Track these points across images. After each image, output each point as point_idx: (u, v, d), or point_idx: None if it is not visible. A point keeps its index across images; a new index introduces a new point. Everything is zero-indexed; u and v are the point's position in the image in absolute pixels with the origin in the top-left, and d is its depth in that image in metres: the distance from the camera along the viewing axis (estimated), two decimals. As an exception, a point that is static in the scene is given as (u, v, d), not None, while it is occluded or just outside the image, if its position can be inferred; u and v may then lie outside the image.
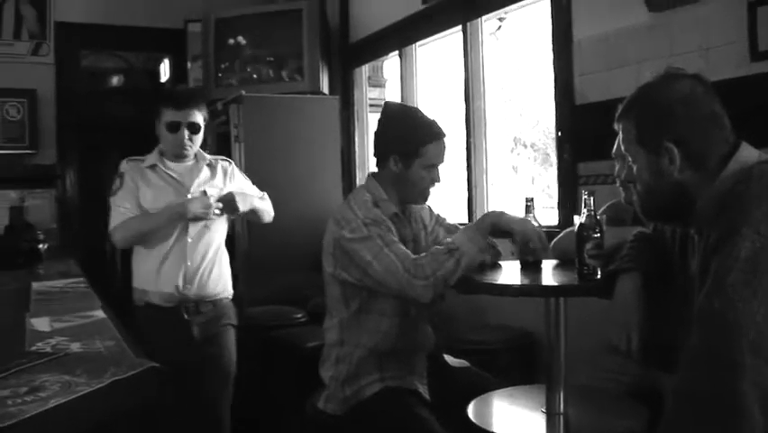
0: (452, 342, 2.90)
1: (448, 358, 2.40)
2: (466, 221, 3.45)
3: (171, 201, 2.61)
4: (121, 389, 1.31)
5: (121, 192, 2.63)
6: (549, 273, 2.04)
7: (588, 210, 1.77)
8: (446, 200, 3.96)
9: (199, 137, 2.70)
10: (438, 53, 4.04)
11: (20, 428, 1.09)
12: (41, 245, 3.54)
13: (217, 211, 2.63)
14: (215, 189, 2.71)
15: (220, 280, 2.74)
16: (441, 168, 2.19)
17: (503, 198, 3.61)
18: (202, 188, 2.68)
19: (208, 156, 2.80)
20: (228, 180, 2.79)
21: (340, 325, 2.15)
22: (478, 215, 3.43)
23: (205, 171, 2.74)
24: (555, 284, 1.92)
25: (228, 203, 2.67)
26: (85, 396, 1.24)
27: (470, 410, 2.02)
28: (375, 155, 2.22)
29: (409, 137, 2.14)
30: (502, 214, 2.07)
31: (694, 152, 1.40)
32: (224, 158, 2.90)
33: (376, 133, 2.23)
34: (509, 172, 4.19)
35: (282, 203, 3.10)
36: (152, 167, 2.67)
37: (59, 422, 1.15)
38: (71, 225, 4.81)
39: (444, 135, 2.18)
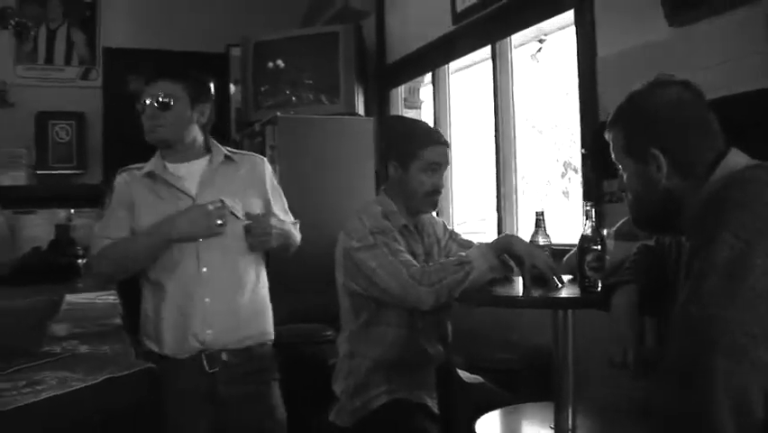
0: (472, 358, 2.91)
1: (462, 373, 2.42)
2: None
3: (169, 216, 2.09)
4: (114, 386, 1.38)
5: (106, 213, 2.24)
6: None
7: (589, 223, 1.79)
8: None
9: (176, 116, 2.11)
10: (472, 80, 4.09)
11: (9, 415, 1.17)
12: (79, 260, 3.69)
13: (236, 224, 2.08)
14: (234, 198, 2.16)
15: (255, 320, 2.19)
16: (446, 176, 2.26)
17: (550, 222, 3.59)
18: (213, 196, 2.11)
19: (227, 149, 2.26)
20: (256, 185, 2.25)
21: (350, 337, 2.20)
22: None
23: (221, 171, 2.19)
24: (553, 296, 1.92)
25: (258, 229, 2.13)
26: (77, 390, 1.32)
27: (478, 425, 2.03)
28: (380, 168, 2.29)
29: (405, 142, 2.22)
30: (516, 238, 2.10)
31: (681, 159, 1.41)
32: (255, 154, 2.38)
33: (379, 146, 2.31)
34: (561, 198, 4.17)
35: (316, 222, 3.14)
36: (149, 174, 2.16)
37: (48, 413, 1.23)
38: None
39: (443, 141, 2.25)
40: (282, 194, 2.37)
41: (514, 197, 3.53)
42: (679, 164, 1.41)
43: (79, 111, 4.95)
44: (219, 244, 2.10)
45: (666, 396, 1.21)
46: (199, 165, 2.19)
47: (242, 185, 2.21)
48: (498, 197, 3.55)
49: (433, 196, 2.24)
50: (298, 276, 3.99)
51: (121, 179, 2.23)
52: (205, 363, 2.06)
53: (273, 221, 2.19)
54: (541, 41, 3.75)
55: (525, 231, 3.35)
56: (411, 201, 2.24)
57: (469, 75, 4.12)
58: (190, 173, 2.17)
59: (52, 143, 4.88)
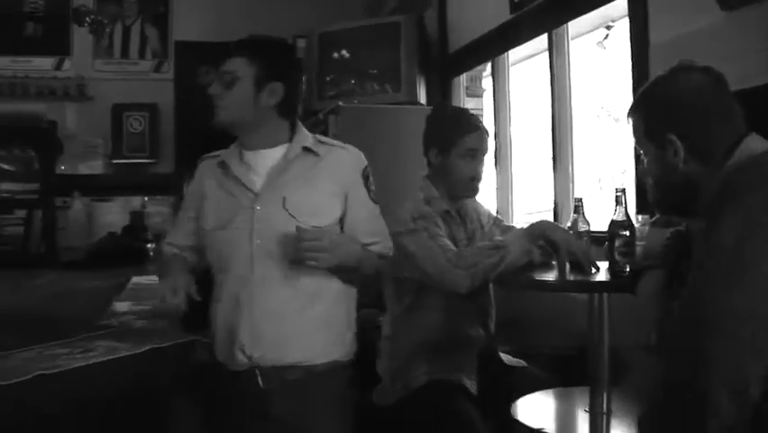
0: (519, 342, 2.96)
1: (505, 357, 2.48)
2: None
3: (230, 219, 1.85)
4: (156, 356, 1.52)
5: (180, 213, 2.09)
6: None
7: (620, 209, 1.83)
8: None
9: (238, 96, 1.83)
10: (533, 71, 4.10)
11: (61, 376, 1.32)
12: (149, 245, 3.91)
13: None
14: (302, 199, 1.82)
15: (322, 337, 1.85)
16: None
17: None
18: (278, 194, 1.82)
19: (318, 137, 1.94)
20: (334, 186, 1.87)
21: (393, 321, 2.30)
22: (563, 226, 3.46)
23: (297, 164, 1.87)
24: (581, 279, 1.96)
25: (305, 245, 1.72)
26: (122, 357, 1.47)
27: (516, 407, 2.10)
28: (424, 155, 2.37)
29: (444, 128, 2.32)
30: (551, 224, 2.16)
31: (698, 145, 1.43)
32: (347, 146, 1.97)
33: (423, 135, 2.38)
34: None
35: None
36: (222, 164, 1.93)
37: (95, 376, 1.38)
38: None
39: (482, 128, 2.31)
40: (373, 200, 1.95)
41: (570, 186, 3.54)
42: (697, 150, 1.44)
43: (152, 102, 5.20)
44: (278, 249, 1.79)
45: (666, 373, 1.25)
46: (275, 155, 1.88)
47: (317, 183, 1.86)
48: (554, 188, 3.56)
49: (473, 182, 2.31)
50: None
51: (198, 169, 2.03)
52: (259, 379, 1.79)
53: (335, 237, 1.79)
54: (608, 27, 3.74)
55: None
56: (453, 187, 2.31)
57: (531, 65, 4.13)
58: (263, 164, 1.88)
59: (127, 134, 5.15)
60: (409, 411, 2.18)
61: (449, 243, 2.13)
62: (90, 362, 1.42)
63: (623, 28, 3.53)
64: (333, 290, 1.88)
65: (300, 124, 1.95)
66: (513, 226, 2.44)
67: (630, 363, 2.21)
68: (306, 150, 1.89)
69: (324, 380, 1.84)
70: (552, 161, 3.58)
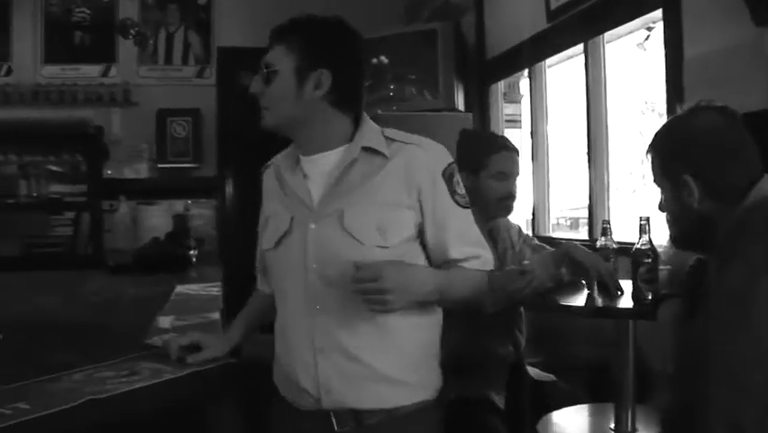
0: (552, 356, 3.02)
1: (534, 371, 2.55)
2: (587, 238, 3.55)
3: (282, 239, 1.62)
4: (196, 380, 1.63)
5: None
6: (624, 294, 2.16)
7: (645, 237, 1.89)
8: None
9: (278, 91, 1.56)
10: (570, 73, 4.13)
11: (109, 401, 1.44)
12: (191, 251, 4.06)
13: None
14: (364, 214, 1.53)
15: (397, 378, 1.57)
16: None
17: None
18: (334, 208, 1.54)
19: (387, 133, 1.62)
20: (405, 191, 1.55)
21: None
22: (598, 232, 3.49)
23: (358, 169, 1.57)
24: (606, 306, 2.03)
25: (362, 285, 1.45)
26: (166, 382, 1.58)
27: (542, 423, 2.18)
28: None
29: (474, 151, 2.39)
30: (578, 247, 2.23)
31: (713, 184, 1.49)
32: (423, 140, 1.62)
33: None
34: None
35: None
36: (278, 173, 1.70)
37: (140, 400, 1.49)
38: (229, 232, 5.38)
39: (511, 148, 2.39)
40: (461, 205, 1.61)
41: (606, 194, 3.59)
42: (712, 189, 1.49)
43: (195, 108, 5.36)
44: (338, 277, 1.52)
45: (675, 402, 1.33)
46: (333, 158, 1.59)
47: (381, 191, 1.55)
48: (589, 186, 3.61)
49: (506, 201, 2.39)
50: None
51: (263, 182, 1.78)
52: (333, 421, 1.56)
53: (401, 270, 1.48)
54: (649, 28, 3.76)
55: (621, 222, 3.43)
56: (485, 207, 2.39)
57: (568, 67, 4.16)
58: (320, 171, 1.60)
59: (171, 138, 5.33)
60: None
61: None
62: (135, 386, 1.52)
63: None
64: (412, 322, 1.58)
65: (366, 117, 1.63)
66: (543, 246, 2.51)
67: (655, 382, 2.27)
68: (370, 150, 1.57)
69: (410, 425, 1.58)
70: (587, 161, 3.63)
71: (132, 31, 4.78)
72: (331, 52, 1.58)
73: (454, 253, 1.59)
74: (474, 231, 1.64)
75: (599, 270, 2.10)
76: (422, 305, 1.57)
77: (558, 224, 4.31)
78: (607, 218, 2.28)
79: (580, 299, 2.14)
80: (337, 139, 1.60)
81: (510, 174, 2.38)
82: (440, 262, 1.61)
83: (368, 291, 1.45)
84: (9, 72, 5.31)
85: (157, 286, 3.29)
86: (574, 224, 4.48)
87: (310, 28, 1.60)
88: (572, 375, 2.70)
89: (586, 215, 3.69)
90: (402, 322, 1.56)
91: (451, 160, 1.62)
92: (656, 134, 1.61)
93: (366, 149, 1.57)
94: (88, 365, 1.68)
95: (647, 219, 1.90)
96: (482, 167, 2.35)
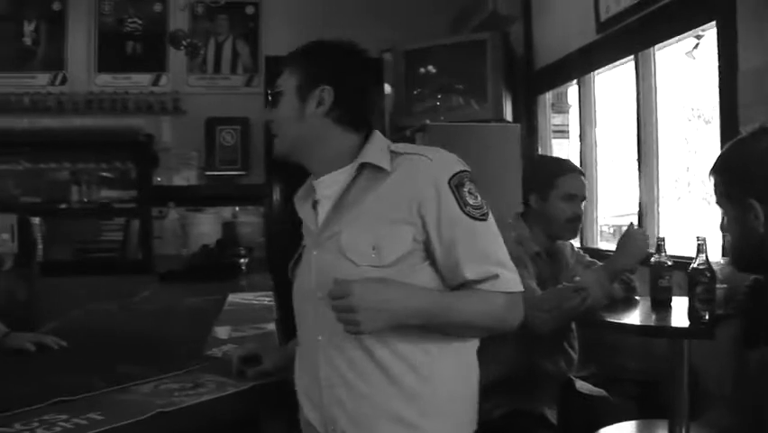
0: (607, 370, 3.03)
1: (585, 386, 2.57)
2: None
3: (295, 268, 1.62)
4: (258, 393, 1.68)
5: None
6: (678, 312, 2.16)
7: (702, 256, 1.90)
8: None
9: (282, 114, 1.55)
10: (618, 79, 4.12)
11: (177, 414, 1.49)
12: (241, 260, 4.14)
13: None
14: (370, 236, 1.42)
15: (419, 417, 1.44)
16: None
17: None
18: (334, 232, 1.47)
19: (388, 145, 1.53)
20: (405, 207, 1.42)
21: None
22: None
23: (359, 186, 1.49)
24: (662, 326, 2.04)
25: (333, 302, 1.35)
26: (230, 395, 1.63)
27: (593, 439, 2.20)
28: (522, 201, 2.48)
29: (543, 173, 2.46)
30: (629, 261, 2.27)
31: None
32: (428, 152, 1.50)
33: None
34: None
35: None
36: (297, 200, 1.66)
37: (206, 413, 1.54)
38: (276, 239, 5.46)
39: (579, 171, 2.40)
40: (472, 216, 1.43)
41: (655, 205, 3.58)
42: (777, 214, 1.50)
43: (243, 116, 5.46)
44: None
45: (734, 423, 1.34)
46: (340, 177, 1.52)
47: (379, 207, 1.45)
48: (639, 193, 3.59)
49: (574, 222, 2.42)
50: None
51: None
52: None
53: (372, 288, 1.35)
54: (698, 36, 3.74)
55: (666, 231, 3.43)
56: (552, 228, 2.44)
57: (616, 73, 4.14)
58: (327, 193, 1.54)
59: (220, 147, 5.43)
60: (491, 440, 2.30)
61: (534, 285, 2.24)
62: (202, 399, 1.57)
63: (713, 36, 3.54)
64: (420, 357, 1.44)
65: (375, 133, 1.57)
66: (594, 261, 2.52)
67: (710, 400, 2.26)
68: (371, 166, 1.48)
69: None
70: (637, 172, 3.62)
71: (183, 42, 4.89)
72: (331, 69, 1.54)
73: (468, 272, 1.41)
74: (493, 247, 1.45)
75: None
76: (431, 338, 1.43)
77: (601, 232, 4.30)
78: (661, 235, 2.28)
79: (634, 316, 2.16)
80: (344, 158, 1.54)
81: (578, 196, 2.42)
82: (455, 285, 1.44)
83: (337, 309, 1.34)
84: (64, 81, 5.46)
85: (209, 295, 3.35)
86: (618, 232, 4.47)
87: (313, 49, 1.60)
88: (620, 389, 2.71)
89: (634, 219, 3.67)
90: (402, 355, 1.42)
91: (461, 168, 1.47)
92: (720, 157, 1.62)
93: (366, 165, 1.49)
94: (152, 376, 1.74)
95: (704, 239, 1.91)
96: (552, 188, 2.39)
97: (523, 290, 1.45)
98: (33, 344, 2.07)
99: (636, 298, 2.34)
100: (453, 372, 1.51)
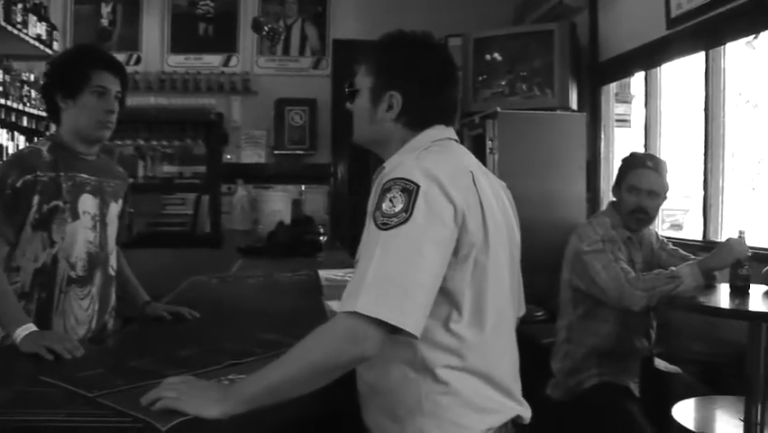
0: (675, 350, 3.30)
1: (662, 364, 2.87)
2: (700, 238, 3.78)
3: None
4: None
5: None
6: (756, 297, 2.45)
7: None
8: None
9: (356, 113, 1.66)
10: (684, 70, 4.32)
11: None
12: (321, 237, 4.44)
13: None
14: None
15: None
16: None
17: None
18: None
19: (399, 153, 1.57)
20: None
21: (569, 326, 2.73)
22: (712, 234, 3.74)
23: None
24: (740, 309, 2.35)
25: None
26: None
27: (675, 410, 2.49)
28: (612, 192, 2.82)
29: (621, 167, 2.77)
30: (723, 261, 2.56)
31: None
32: (401, 159, 1.50)
33: None
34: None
35: (531, 211, 3.22)
36: None
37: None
38: (341, 216, 5.79)
39: (649, 167, 2.69)
40: (382, 226, 1.34)
41: (720, 198, 3.79)
42: None
43: (311, 98, 5.77)
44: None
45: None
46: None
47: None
48: (704, 199, 3.82)
49: (635, 214, 2.69)
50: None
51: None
52: None
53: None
54: (759, 28, 3.94)
55: (729, 211, 3.68)
56: (622, 218, 2.71)
57: (681, 63, 4.31)
58: None
59: (288, 127, 5.75)
60: (582, 408, 2.62)
61: (627, 266, 2.53)
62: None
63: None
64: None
65: (426, 133, 1.58)
66: (677, 250, 2.80)
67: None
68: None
69: None
70: (703, 166, 3.82)
71: (265, 27, 5.19)
72: (401, 76, 1.57)
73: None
74: (371, 261, 1.30)
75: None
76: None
77: (663, 220, 4.50)
78: (742, 230, 2.56)
79: (713, 300, 2.44)
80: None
81: (641, 189, 2.68)
82: None
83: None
84: (138, 61, 5.80)
85: (295, 271, 3.55)
86: (674, 224, 4.70)
87: (387, 50, 1.62)
88: (694, 368, 2.99)
89: (684, 213, 3.88)
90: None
91: (405, 175, 1.38)
92: None
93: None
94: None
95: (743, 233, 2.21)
96: (622, 181, 2.69)
97: (383, 319, 1.25)
98: (169, 313, 2.30)
99: (715, 285, 2.62)
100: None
